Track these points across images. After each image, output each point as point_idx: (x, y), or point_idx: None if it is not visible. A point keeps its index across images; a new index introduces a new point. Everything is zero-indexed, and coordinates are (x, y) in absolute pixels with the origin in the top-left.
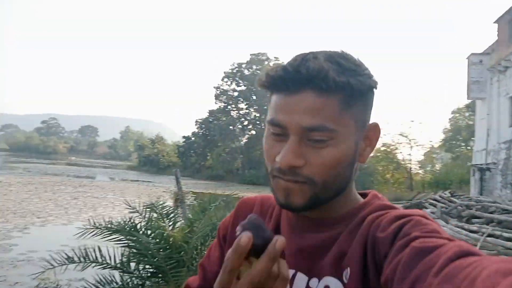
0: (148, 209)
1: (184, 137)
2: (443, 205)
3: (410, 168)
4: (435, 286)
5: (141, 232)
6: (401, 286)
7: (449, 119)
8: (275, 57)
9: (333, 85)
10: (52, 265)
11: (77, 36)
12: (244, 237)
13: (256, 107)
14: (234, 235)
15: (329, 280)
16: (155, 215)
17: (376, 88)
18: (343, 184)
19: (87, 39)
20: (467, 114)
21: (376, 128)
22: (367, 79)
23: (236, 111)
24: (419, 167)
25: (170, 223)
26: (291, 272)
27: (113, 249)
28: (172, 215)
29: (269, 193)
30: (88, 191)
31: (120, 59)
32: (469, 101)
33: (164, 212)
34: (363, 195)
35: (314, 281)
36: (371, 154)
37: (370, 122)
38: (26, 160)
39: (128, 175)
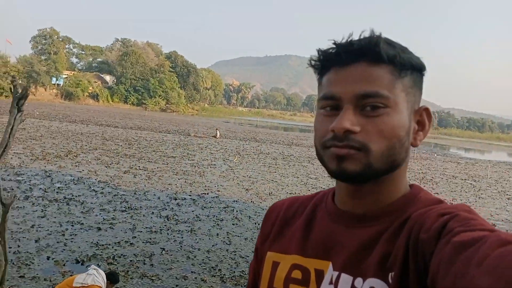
0: None
1: None
2: None
3: None
4: (477, 278)
5: None
6: (444, 283)
7: None
8: None
9: (384, 55)
10: None
11: None
12: None
13: None
14: (262, 244)
15: (374, 281)
16: None
17: (424, 71)
18: (397, 160)
19: None
20: None
21: (427, 112)
22: (416, 58)
23: None
24: None
25: None
26: (334, 274)
27: None
28: None
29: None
30: None
31: None
32: None
33: None
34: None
35: (359, 281)
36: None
37: (425, 106)
38: None
39: None
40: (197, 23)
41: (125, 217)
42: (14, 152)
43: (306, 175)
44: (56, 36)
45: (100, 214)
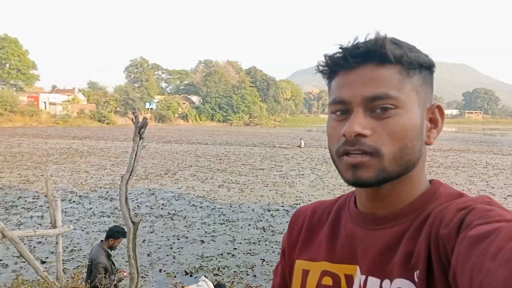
0: None
1: None
2: None
3: None
4: (493, 271)
5: None
6: (462, 277)
7: None
8: None
9: (391, 55)
10: None
11: None
12: None
13: None
14: (290, 249)
15: (401, 282)
16: None
17: (433, 68)
18: (411, 160)
19: None
20: None
21: (439, 109)
22: (424, 56)
23: None
24: None
25: None
26: (362, 278)
27: None
28: None
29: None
30: None
31: None
32: None
33: None
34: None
35: (386, 283)
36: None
37: (437, 103)
38: None
39: None
40: (272, 37)
41: (224, 230)
42: (121, 174)
43: None
44: (146, 65)
45: (201, 227)
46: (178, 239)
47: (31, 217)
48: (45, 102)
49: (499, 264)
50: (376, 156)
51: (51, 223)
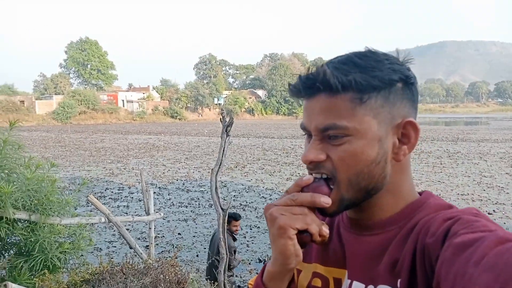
0: None
1: None
2: None
3: None
4: (476, 276)
5: None
6: (445, 283)
7: None
8: None
9: (337, 85)
10: None
11: None
12: (306, 177)
13: None
14: None
15: None
16: None
17: (405, 82)
18: (371, 183)
19: None
20: None
21: (412, 125)
22: (386, 74)
23: None
24: None
25: None
26: (348, 282)
27: None
28: None
29: None
30: None
31: None
32: None
33: None
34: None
35: None
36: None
37: (408, 119)
38: None
39: None
40: (340, 26)
41: None
42: (195, 167)
43: (478, 173)
44: (214, 61)
45: None
46: (251, 229)
47: (118, 206)
48: (123, 100)
49: (482, 270)
50: (334, 182)
51: (144, 211)
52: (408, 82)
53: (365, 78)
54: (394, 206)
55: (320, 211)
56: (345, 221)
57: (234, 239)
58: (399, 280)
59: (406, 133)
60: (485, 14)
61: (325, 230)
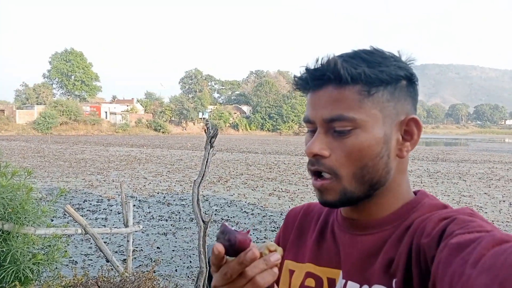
0: None
1: None
2: None
3: None
4: (474, 278)
5: None
6: (442, 284)
7: None
8: None
9: (346, 76)
10: None
11: None
12: (215, 247)
13: None
14: (283, 247)
15: None
16: None
17: (410, 80)
18: (375, 177)
19: None
20: None
21: (414, 122)
22: (392, 70)
23: None
24: None
25: None
26: (342, 282)
27: None
28: None
29: None
30: None
31: None
32: None
33: None
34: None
35: None
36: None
37: (411, 116)
38: None
39: None
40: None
41: (275, 237)
42: (176, 180)
43: (458, 193)
44: (200, 76)
45: (253, 233)
46: None
47: (96, 218)
48: (106, 112)
49: (480, 271)
50: (335, 178)
51: (123, 223)
52: (412, 80)
53: (374, 72)
54: (392, 205)
55: (323, 203)
56: (339, 221)
57: None
58: (394, 280)
59: (409, 130)
60: (466, 39)
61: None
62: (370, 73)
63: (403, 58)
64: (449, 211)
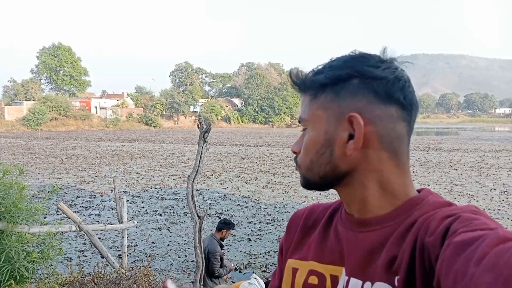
0: None
1: None
2: None
3: None
4: (477, 276)
5: None
6: (446, 283)
7: None
8: None
9: (302, 85)
10: None
11: None
12: None
13: None
14: (286, 252)
15: (381, 285)
16: None
17: (363, 77)
18: (321, 171)
19: None
20: None
21: (353, 119)
22: (337, 71)
23: None
24: None
25: None
26: (345, 279)
27: None
28: None
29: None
30: None
31: None
32: None
33: None
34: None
35: (367, 285)
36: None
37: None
38: None
39: None
40: (305, 38)
41: (270, 229)
42: (169, 175)
43: (449, 182)
44: (190, 69)
45: (248, 226)
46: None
47: (89, 215)
48: (96, 107)
49: (484, 269)
50: (299, 168)
51: (117, 219)
52: (365, 77)
53: (318, 78)
54: (386, 201)
55: (301, 185)
56: (343, 218)
57: (222, 246)
58: (396, 278)
59: (353, 128)
60: (454, 29)
61: None
62: (317, 79)
63: (389, 55)
64: (453, 208)
